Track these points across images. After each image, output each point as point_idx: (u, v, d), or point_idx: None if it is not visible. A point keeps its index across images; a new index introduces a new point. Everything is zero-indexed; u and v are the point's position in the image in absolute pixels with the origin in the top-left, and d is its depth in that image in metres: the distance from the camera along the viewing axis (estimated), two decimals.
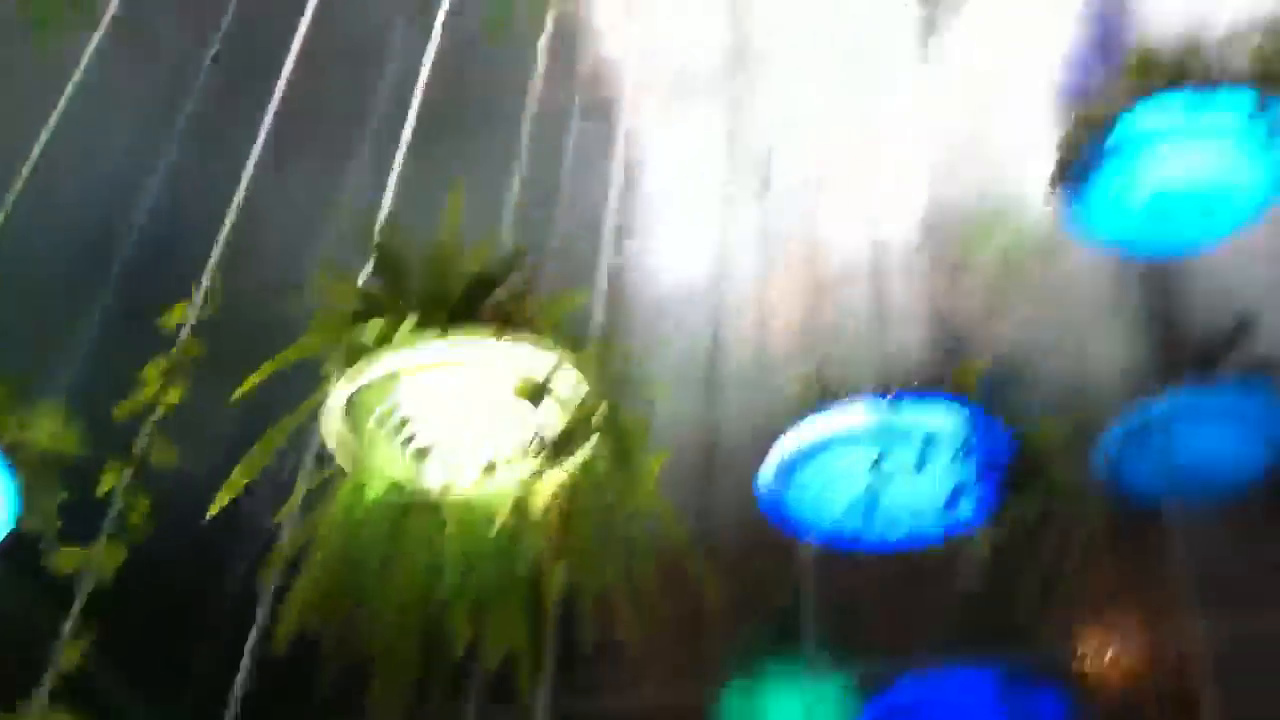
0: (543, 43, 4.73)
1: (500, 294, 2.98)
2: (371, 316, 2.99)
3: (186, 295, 3.92)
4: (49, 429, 3.36)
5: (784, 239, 6.34)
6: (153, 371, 3.73)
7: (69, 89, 3.82)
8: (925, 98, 6.20)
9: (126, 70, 4.32)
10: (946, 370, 4.53)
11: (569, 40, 5.87)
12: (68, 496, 3.51)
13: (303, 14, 4.54)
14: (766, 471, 4.06)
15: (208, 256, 4.11)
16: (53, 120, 3.73)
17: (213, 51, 4.26)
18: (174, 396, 3.72)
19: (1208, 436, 5.35)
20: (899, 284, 5.84)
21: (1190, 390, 5.39)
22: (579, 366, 2.91)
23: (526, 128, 4.98)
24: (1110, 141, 3.97)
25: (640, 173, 6.51)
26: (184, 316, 3.68)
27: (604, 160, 5.32)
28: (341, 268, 3.53)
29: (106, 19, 3.68)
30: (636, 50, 5.52)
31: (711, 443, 5.90)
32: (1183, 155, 3.97)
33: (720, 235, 6.50)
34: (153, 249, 4.79)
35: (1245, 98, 3.86)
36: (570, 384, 2.90)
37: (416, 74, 4.87)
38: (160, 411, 3.66)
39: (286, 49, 4.54)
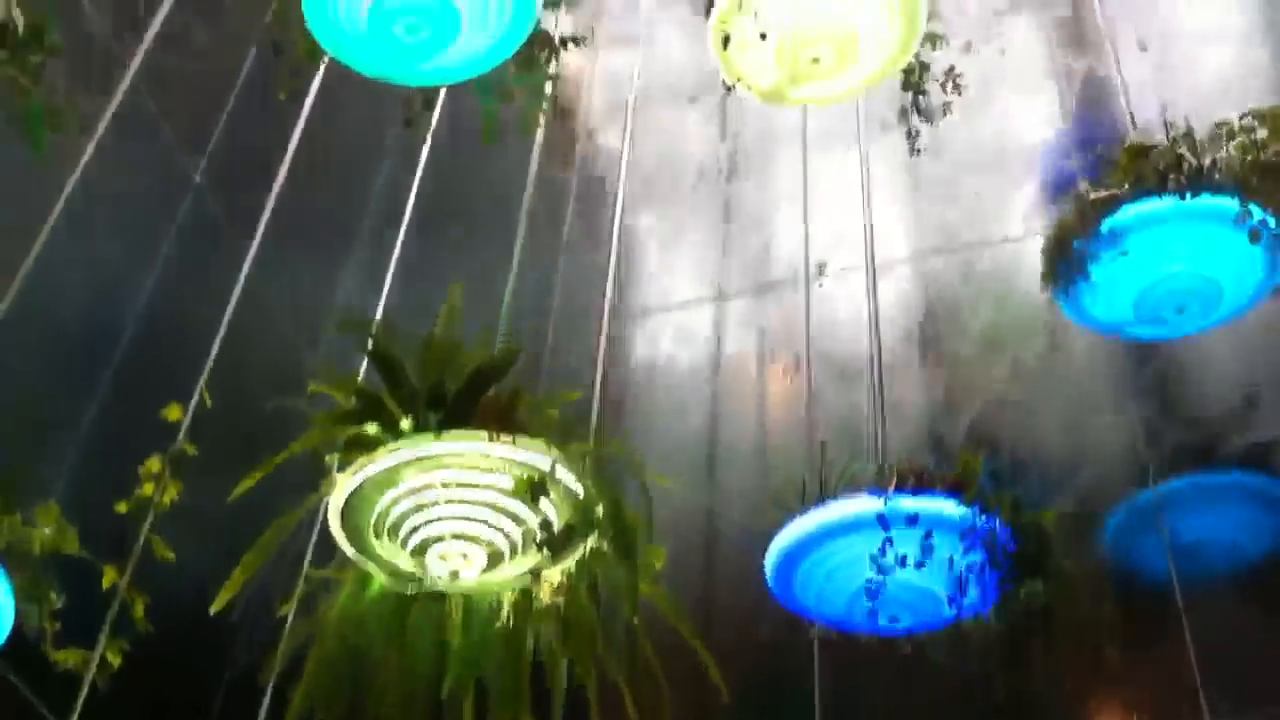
0: (538, 140, 4.79)
1: (497, 391, 3.00)
2: (370, 415, 3.00)
3: (184, 391, 3.95)
4: (48, 528, 3.35)
5: (781, 328, 6.37)
6: (150, 469, 3.74)
7: (68, 188, 3.86)
8: (915, 189, 6.27)
9: (125, 171, 4.36)
10: (949, 458, 4.52)
11: (565, 137, 5.96)
12: (67, 595, 3.49)
13: (298, 117, 4.60)
14: (769, 561, 4.03)
15: (204, 354, 4.14)
16: (52, 219, 3.76)
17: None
18: (171, 494, 3.73)
19: (1212, 518, 5.34)
20: (897, 371, 5.86)
21: (1192, 473, 5.39)
22: (577, 463, 2.91)
23: (523, 223, 5.03)
24: (1103, 232, 4.01)
25: (636, 264, 6.55)
26: (181, 415, 3.68)
27: (600, 253, 5.38)
28: (339, 364, 3.55)
29: (104, 122, 3.73)
30: (630, 145, 5.58)
31: (712, 531, 5.88)
32: (1173, 247, 4.02)
33: (717, 324, 6.53)
34: (150, 346, 4.80)
35: (1229, 199, 3.93)
36: (569, 481, 2.90)
37: (411, 174, 4.94)
38: (158, 509, 3.66)
39: (283, 151, 4.61)
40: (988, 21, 6.50)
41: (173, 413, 3.63)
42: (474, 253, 5.81)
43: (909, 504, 3.74)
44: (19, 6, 3.05)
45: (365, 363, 3.36)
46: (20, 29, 2.93)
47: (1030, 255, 4.94)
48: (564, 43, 4.14)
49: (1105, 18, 6.04)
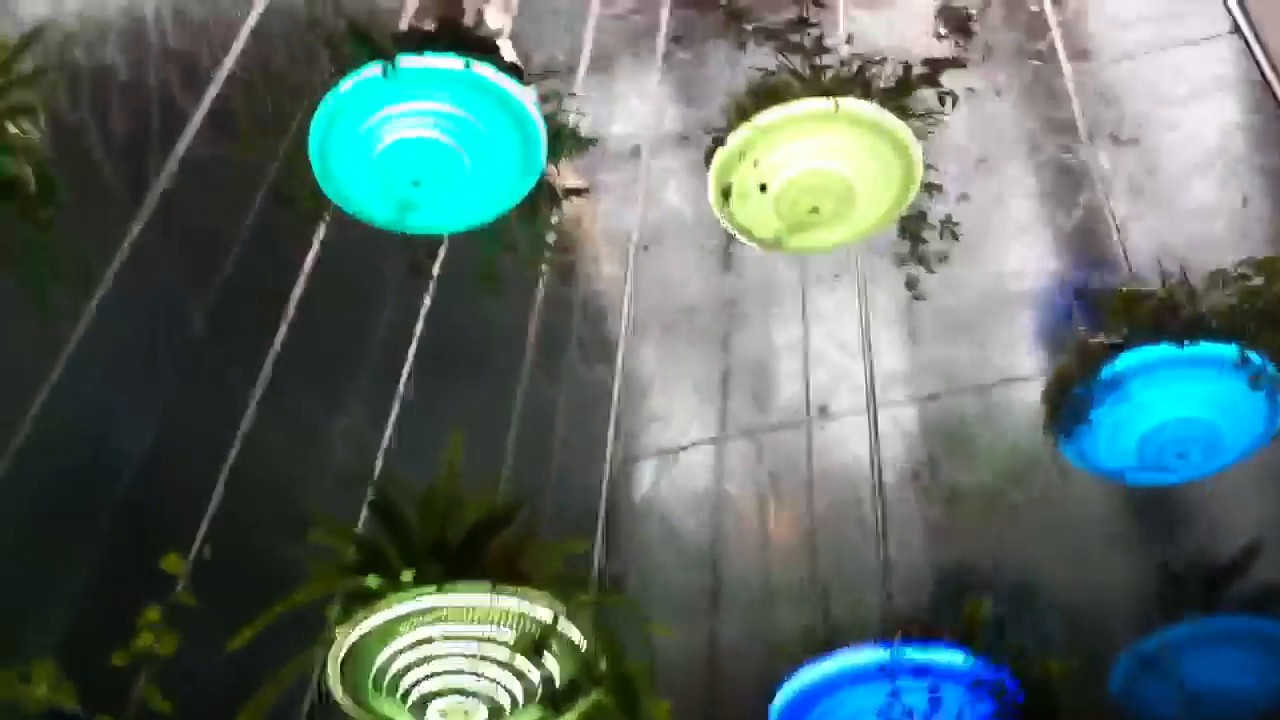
0: (540, 287, 4.85)
1: (500, 543, 2.98)
2: (371, 567, 2.98)
3: (184, 536, 3.93)
4: (46, 683, 3.29)
5: (784, 469, 6.36)
6: (148, 618, 3.69)
7: (79, 331, 3.90)
8: (914, 329, 6.32)
9: (126, 315, 4.40)
10: (954, 603, 4.48)
11: (566, 282, 6.03)
12: None
13: (301, 262, 4.66)
14: (774, 713, 3.97)
15: (205, 499, 4.13)
16: (58, 369, 3.80)
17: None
18: (169, 646, 3.68)
19: (1218, 663, 5.27)
20: (900, 513, 5.84)
21: (1197, 618, 5.34)
22: (580, 616, 2.89)
23: (526, 368, 5.06)
24: (1102, 378, 4.04)
25: (637, 404, 6.57)
26: (178, 566, 3.65)
27: (601, 392, 5.39)
28: (339, 510, 3.54)
29: (111, 273, 3.78)
30: (631, 290, 5.64)
31: (715, 680, 5.80)
32: (1172, 393, 4.04)
33: (718, 465, 6.53)
34: (149, 493, 4.80)
35: (1227, 345, 3.97)
36: (572, 634, 2.87)
37: (413, 315, 4.98)
38: (156, 660, 3.61)
39: (284, 295, 4.65)
40: (983, 167, 6.61)
41: (171, 563, 3.60)
42: (475, 391, 5.84)
43: (915, 655, 3.70)
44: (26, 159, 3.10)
45: (365, 509, 3.35)
46: (32, 184, 2.98)
47: (1030, 396, 4.96)
48: (567, 194, 4.21)
49: (1096, 158, 6.16)
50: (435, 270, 4.40)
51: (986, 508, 6.00)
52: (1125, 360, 4.08)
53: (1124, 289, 4.26)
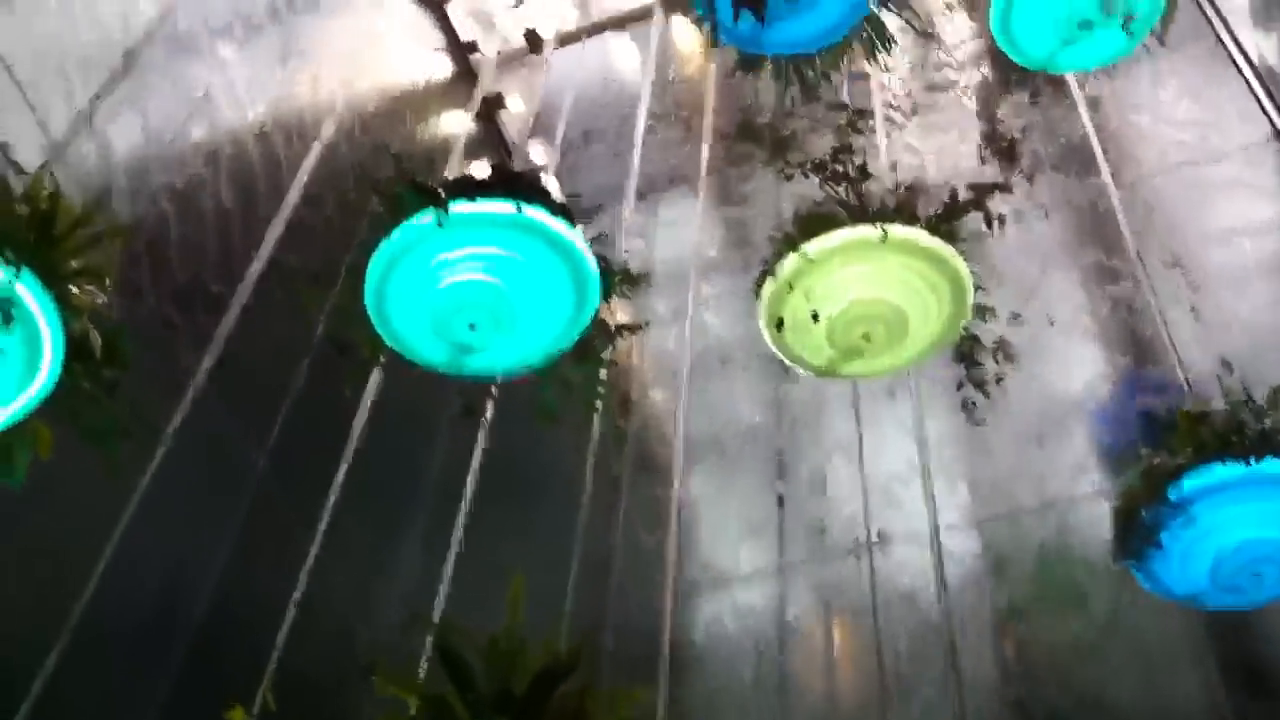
0: (596, 422, 4.85)
1: (564, 691, 2.94)
2: (436, 719, 2.95)
3: (247, 683, 3.92)
4: None
5: (845, 598, 6.28)
6: None
7: (145, 482, 3.95)
8: (972, 450, 6.26)
9: (190, 464, 4.45)
10: None
11: (620, 414, 6.04)
12: None
13: (359, 405, 4.70)
14: None
15: (269, 642, 4.14)
16: (125, 520, 3.85)
17: None
18: None
19: None
20: (967, 636, 5.74)
21: None
22: None
23: (585, 502, 5.05)
24: (1170, 501, 3.98)
25: (693, 536, 6.53)
26: (243, 718, 3.62)
27: (656, 527, 5.36)
28: (400, 650, 3.50)
29: (172, 428, 3.83)
30: (683, 418, 5.63)
31: None
32: (1242, 514, 3.97)
33: (779, 596, 6.45)
34: (214, 635, 4.81)
35: None
36: None
37: (469, 452, 5.00)
38: None
39: (344, 438, 4.69)
40: (1034, 286, 6.60)
41: (236, 716, 3.57)
42: (532, 525, 5.83)
43: None
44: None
45: (427, 655, 3.32)
46: (99, 347, 3.03)
47: (1094, 515, 4.90)
48: (619, 330, 4.22)
49: (1145, 272, 6.13)
50: (489, 410, 4.41)
51: (1053, 626, 5.89)
52: (1192, 481, 4.03)
53: (1186, 409, 4.21)
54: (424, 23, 7.74)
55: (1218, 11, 5.92)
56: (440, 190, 3.77)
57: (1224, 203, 6.88)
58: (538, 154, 7.01)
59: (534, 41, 7.71)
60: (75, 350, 3.00)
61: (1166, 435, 4.19)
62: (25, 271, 2.91)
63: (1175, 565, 4.11)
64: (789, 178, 4.64)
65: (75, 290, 2.99)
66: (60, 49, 4.47)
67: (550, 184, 4.07)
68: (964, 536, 6.15)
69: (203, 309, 4.47)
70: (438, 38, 7.84)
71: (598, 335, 4.09)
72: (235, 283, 4.43)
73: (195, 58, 5.24)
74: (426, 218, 3.72)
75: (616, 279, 4.05)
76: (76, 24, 4.57)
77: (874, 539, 5.76)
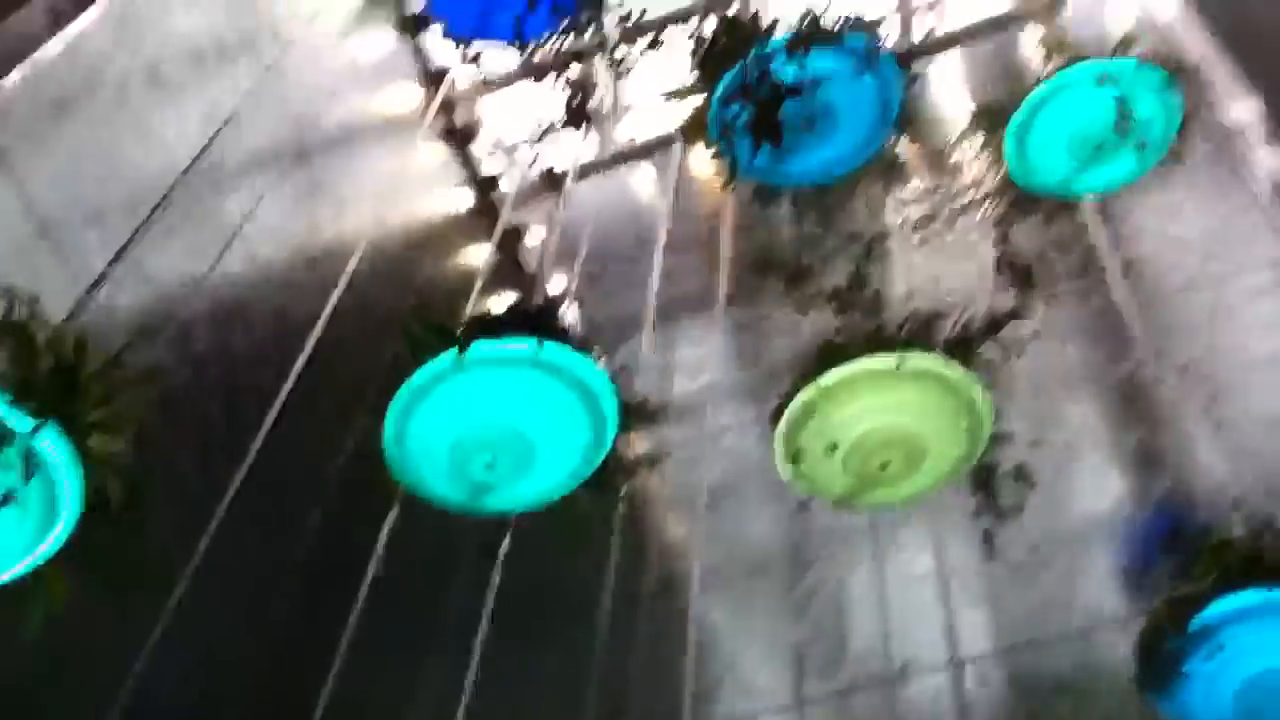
0: (614, 552, 4.85)
1: None
2: None
3: None
4: None
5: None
6: None
7: (161, 627, 3.96)
8: (992, 578, 6.18)
9: (209, 596, 4.46)
10: None
11: (636, 542, 6.01)
12: None
13: (379, 532, 4.71)
14: None
15: None
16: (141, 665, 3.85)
17: None
18: None
19: None
20: None
21: None
22: None
23: (602, 630, 5.02)
24: (1194, 629, 3.94)
25: (710, 667, 6.45)
26: None
27: (675, 657, 5.31)
28: None
29: (191, 568, 3.86)
30: (699, 548, 5.62)
31: None
32: (1268, 640, 3.92)
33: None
34: None
35: None
36: None
37: (486, 581, 4.98)
38: None
39: (361, 569, 4.69)
40: (1051, 407, 6.58)
41: None
42: (549, 653, 5.78)
43: None
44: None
45: None
46: (119, 498, 3.05)
47: (1117, 641, 4.82)
48: (638, 463, 4.24)
49: (1165, 390, 6.11)
50: (504, 547, 4.42)
51: None
52: (1216, 609, 3.99)
53: (1209, 538, 4.18)
54: (449, 161, 7.93)
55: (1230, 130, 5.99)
56: (459, 331, 3.82)
57: (1245, 314, 6.87)
58: (558, 282, 7.09)
59: (553, 181, 7.85)
60: (94, 499, 3.02)
61: (1190, 562, 4.16)
62: (48, 424, 2.94)
63: (1199, 694, 4.06)
64: (805, 311, 4.69)
65: (95, 441, 3.02)
66: (98, 194, 4.59)
67: (569, 314, 4.13)
68: (986, 666, 6.05)
69: (224, 449, 4.50)
70: (460, 173, 8.01)
71: (616, 468, 4.10)
72: (259, 422, 4.46)
73: (228, 195, 5.36)
74: (445, 360, 3.76)
75: (635, 414, 4.07)
76: (115, 167, 4.70)
77: (894, 671, 5.67)
